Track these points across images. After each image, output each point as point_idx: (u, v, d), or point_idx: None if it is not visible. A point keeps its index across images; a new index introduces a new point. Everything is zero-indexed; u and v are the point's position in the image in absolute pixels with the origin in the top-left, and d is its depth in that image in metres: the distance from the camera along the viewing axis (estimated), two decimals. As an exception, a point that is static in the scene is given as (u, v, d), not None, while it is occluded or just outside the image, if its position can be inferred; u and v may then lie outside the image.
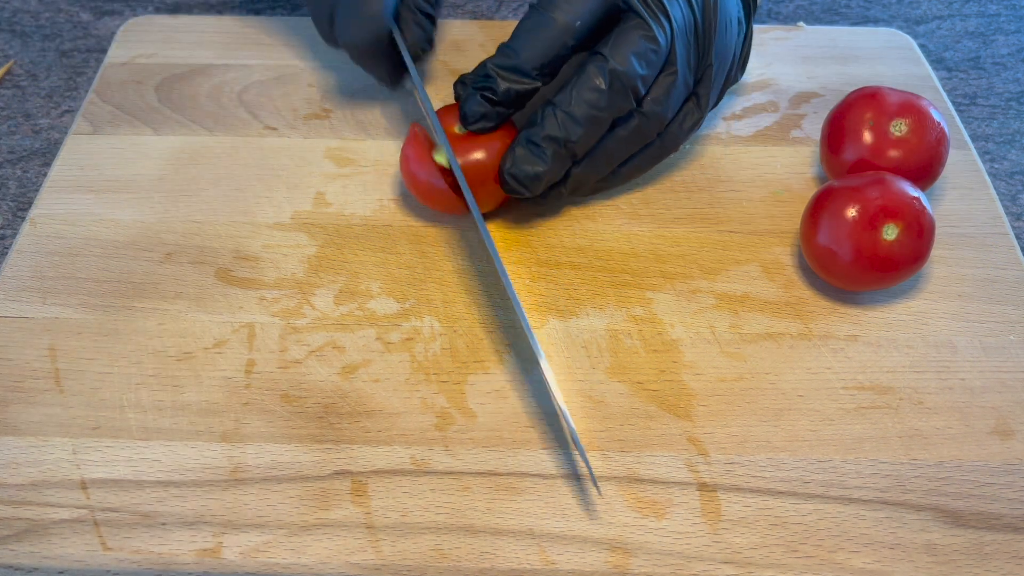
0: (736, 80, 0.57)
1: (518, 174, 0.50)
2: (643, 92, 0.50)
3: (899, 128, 0.51)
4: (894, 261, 0.48)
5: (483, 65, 0.51)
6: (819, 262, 0.50)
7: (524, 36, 0.50)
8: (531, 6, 0.51)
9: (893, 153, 0.51)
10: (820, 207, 0.50)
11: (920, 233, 0.48)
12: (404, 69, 0.57)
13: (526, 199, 0.52)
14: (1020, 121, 0.67)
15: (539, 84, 0.51)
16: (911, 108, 0.52)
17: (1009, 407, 0.47)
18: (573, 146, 0.50)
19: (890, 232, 0.47)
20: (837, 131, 0.53)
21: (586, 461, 0.43)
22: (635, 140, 0.52)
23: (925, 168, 0.52)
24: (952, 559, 0.41)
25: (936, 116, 0.52)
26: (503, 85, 0.50)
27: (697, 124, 0.54)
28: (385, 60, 0.56)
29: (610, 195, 0.56)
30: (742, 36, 0.56)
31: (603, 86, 0.49)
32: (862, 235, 0.48)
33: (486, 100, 0.51)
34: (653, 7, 0.50)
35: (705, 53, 0.52)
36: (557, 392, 0.44)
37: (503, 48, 0.51)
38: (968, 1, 0.78)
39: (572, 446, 0.45)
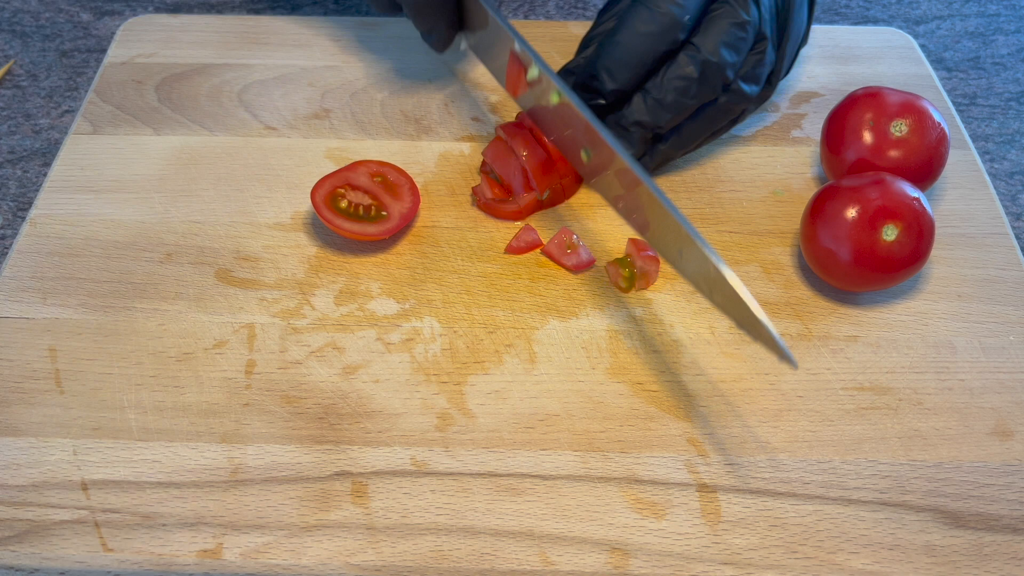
0: (804, 44, 0.58)
1: None
2: (732, 77, 0.52)
3: (899, 128, 0.51)
4: (894, 261, 0.48)
5: (592, 63, 0.52)
6: (819, 262, 0.50)
7: (632, 34, 0.51)
8: (635, 1, 0.51)
9: (893, 153, 0.51)
10: (820, 207, 0.50)
11: (920, 233, 0.48)
12: (456, 30, 0.56)
13: None
14: (1020, 121, 0.67)
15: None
16: (911, 108, 0.52)
17: (1008, 408, 0.47)
18: (659, 130, 0.52)
19: (890, 233, 0.48)
20: (837, 131, 0.53)
21: (780, 341, 0.40)
22: (721, 117, 0.54)
23: (925, 168, 0.52)
24: (952, 560, 0.41)
25: (936, 116, 0.52)
26: (610, 85, 0.51)
27: (767, 98, 0.56)
28: (444, 16, 0.55)
29: (610, 195, 0.56)
30: (806, 5, 0.57)
31: (694, 75, 0.50)
32: (862, 235, 0.48)
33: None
34: None
35: (784, 30, 0.54)
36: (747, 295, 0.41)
37: (609, 46, 0.51)
38: (968, 1, 0.78)
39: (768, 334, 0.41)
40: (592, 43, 0.54)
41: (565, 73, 0.54)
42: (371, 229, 0.52)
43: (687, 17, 0.50)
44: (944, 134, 0.52)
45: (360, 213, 0.53)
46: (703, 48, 0.50)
